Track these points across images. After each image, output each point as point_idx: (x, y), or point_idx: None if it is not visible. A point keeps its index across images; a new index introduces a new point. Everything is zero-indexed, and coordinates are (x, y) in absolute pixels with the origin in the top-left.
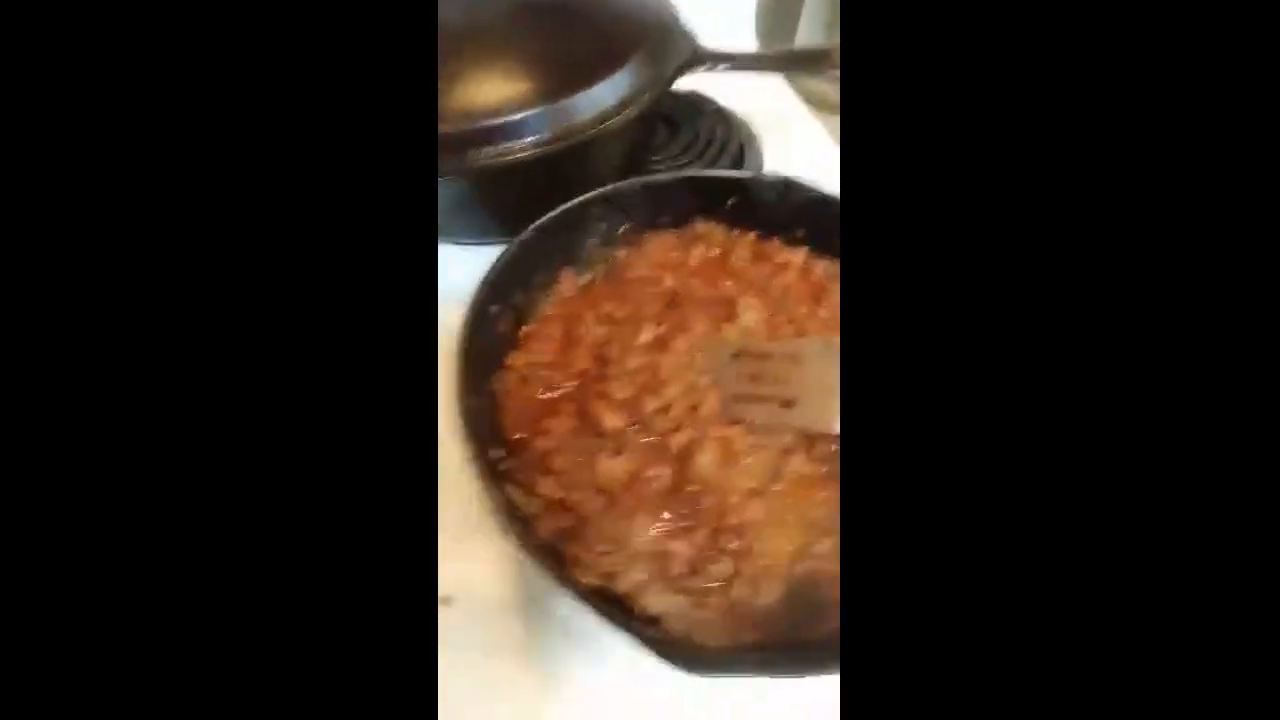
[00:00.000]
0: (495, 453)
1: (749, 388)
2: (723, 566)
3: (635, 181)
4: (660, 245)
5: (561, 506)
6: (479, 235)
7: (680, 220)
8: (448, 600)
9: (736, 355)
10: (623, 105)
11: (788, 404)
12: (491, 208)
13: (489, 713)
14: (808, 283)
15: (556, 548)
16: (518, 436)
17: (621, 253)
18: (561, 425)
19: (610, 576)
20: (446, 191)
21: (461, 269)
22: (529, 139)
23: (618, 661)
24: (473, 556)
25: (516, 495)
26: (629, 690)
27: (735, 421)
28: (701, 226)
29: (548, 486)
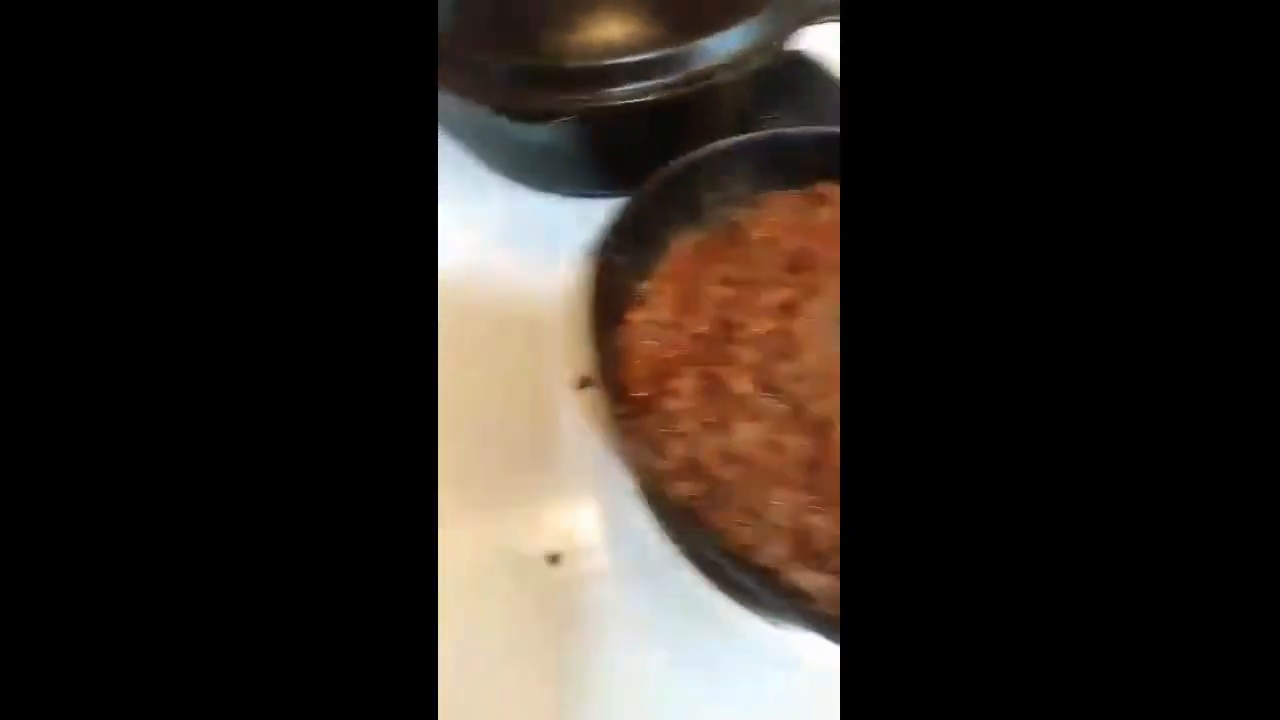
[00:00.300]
0: (618, 409)
1: None
2: None
3: (766, 134)
4: (783, 205)
5: (692, 471)
6: (584, 186)
7: (803, 181)
8: (555, 557)
9: None
10: (756, 50)
11: None
12: (601, 156)
13: (604, 680)
14: None
15: (693, 511)
16: (640, 394)
17: (741, 211)
18: (687, 386)
19: (748, 548)
20: (557, 136)
21: (569, 220)
22: (660, 79)
23: (746, 634)
24: (584, 513)
25: (647, 455)
26: (757, 665)
27: None
28: (824, 188)
29: (679, 448)
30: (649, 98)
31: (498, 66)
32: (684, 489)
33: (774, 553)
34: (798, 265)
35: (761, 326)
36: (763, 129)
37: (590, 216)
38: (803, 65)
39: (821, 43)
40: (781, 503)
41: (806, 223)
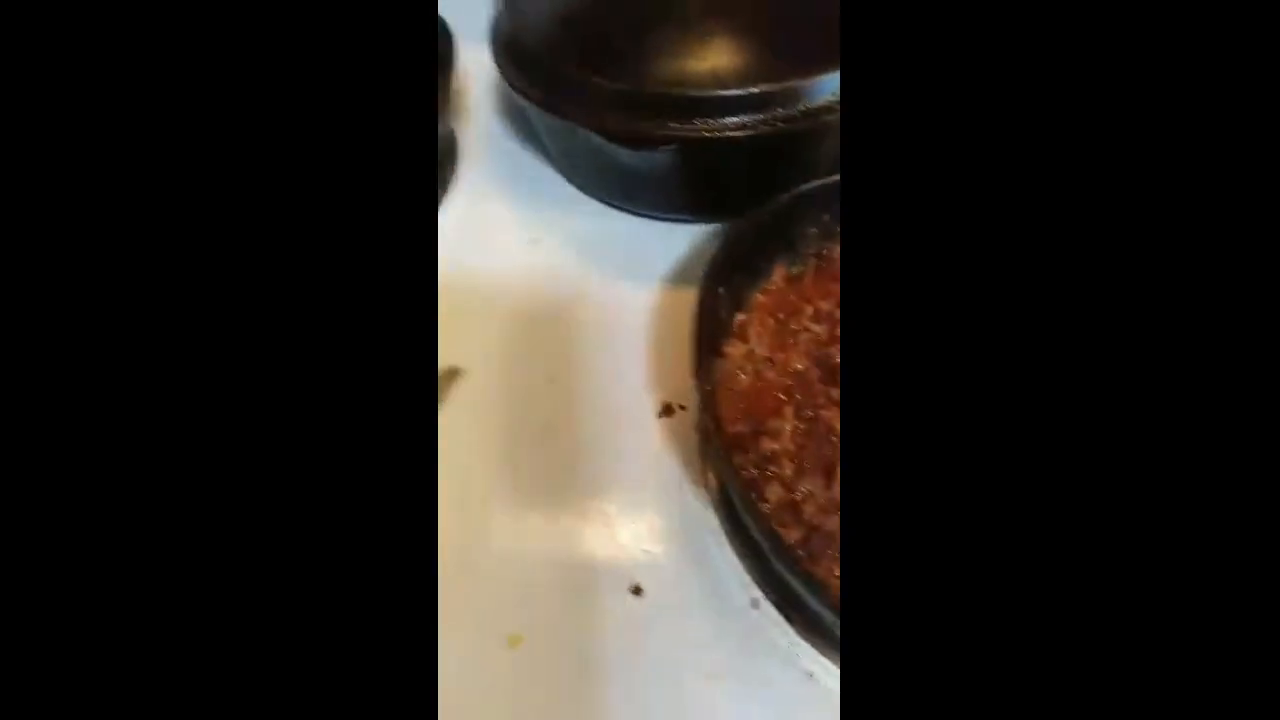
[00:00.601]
0: (716, 444)
1: None
2: None
3: None
4: None
5: (792, 516)
6: (671, 210)
7: None
8: (638, 589)
9: None
10: None
11: None
12: (694, 183)
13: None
14: None
15: (795, 560)
16: (738, 430)
17: (835, 247)
18: (787, 427)
19: None
20: (652, 161)
21: (660, 243)
22: (768, 113)
23: (830, 686)
24: (664, 544)
25: (745, 495)
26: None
27: None
28: None
29: (777, 491)
30: (752, 131)
31: (601, 88)
32: (785, 535)
33: None
34: None
35: None
36: None
37: (674, 239)
38: None
39: None
40: None
41: None
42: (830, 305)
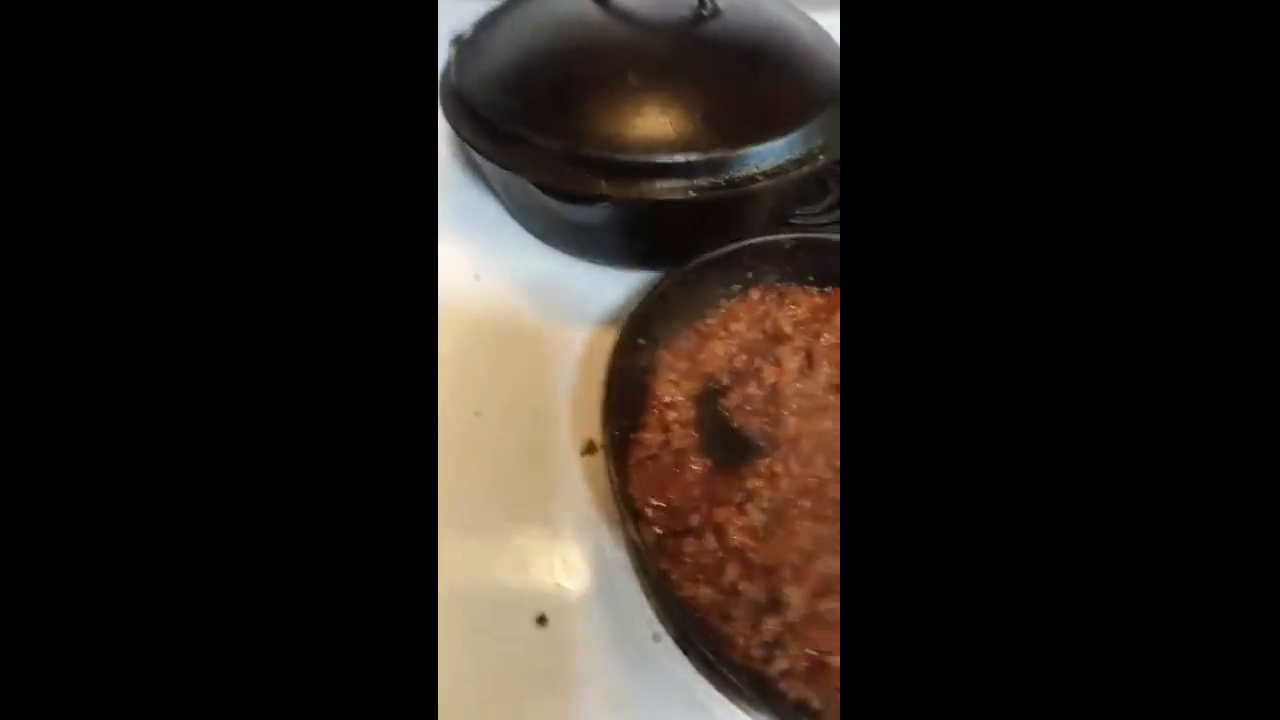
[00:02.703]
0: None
1: None
2: None
3: (795, 237)
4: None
5: (708, 579)
6: (614, 261)
7: (823, 281)
8: (543, 618)
9: None
10: (799, 162)
11: None
12: (637, 238)
13: None
14: None
15: (703, 619)
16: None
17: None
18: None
19: (754, 659)
20: (604, 215)
21: (594, 288)
22: (702, 180)
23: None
24: (575, 577)
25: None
26: None
27: None
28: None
29: (693, 545)
30: (689, 195)
31: (546, 146)
32: (699, 593)
33: (781, 667)
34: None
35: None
36: (794, 222)
37: (610, 284)
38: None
39: None
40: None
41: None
42: (735, 349)
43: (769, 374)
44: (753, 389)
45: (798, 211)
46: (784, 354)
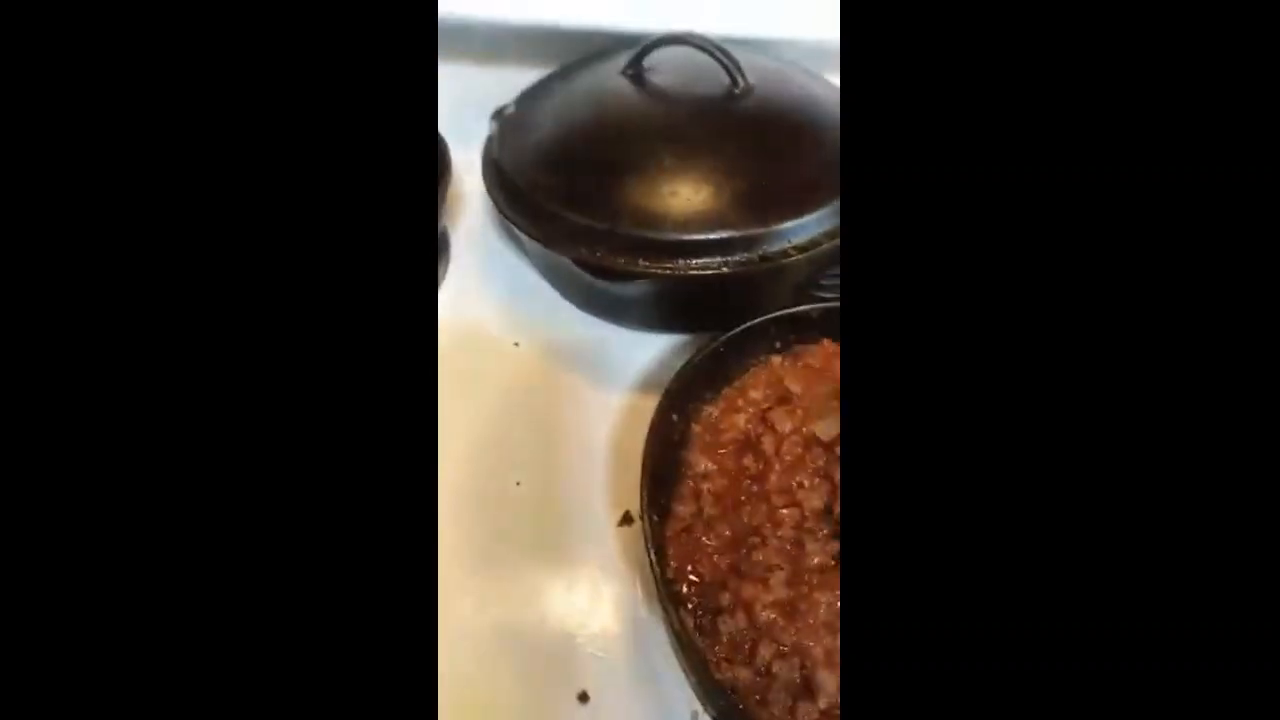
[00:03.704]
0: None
1: None
2: None
3: (822, 307)
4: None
5: (744, 660)
6: (651, 327)
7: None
8: (585, 696)
9: None
10: (828, 235)
11: None
12: (671, 307)
13: None
14: None
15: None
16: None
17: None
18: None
19: None
20: (640, 289)
21: (628, 352)
22: (734, 257)
23: None
24: (615, 660)
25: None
26: None
27: None
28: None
29: (729, 625)
30: (719, 270)
31: (579, 223)
32: (737, 674)
33: None
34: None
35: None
36: (823, 284)
37: (646, 348)
38: None
39: None
40: None
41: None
42: (765, 399)
43: (766, 442)
44: (749, 460)
45: (823, 281)
46: (778, 417)
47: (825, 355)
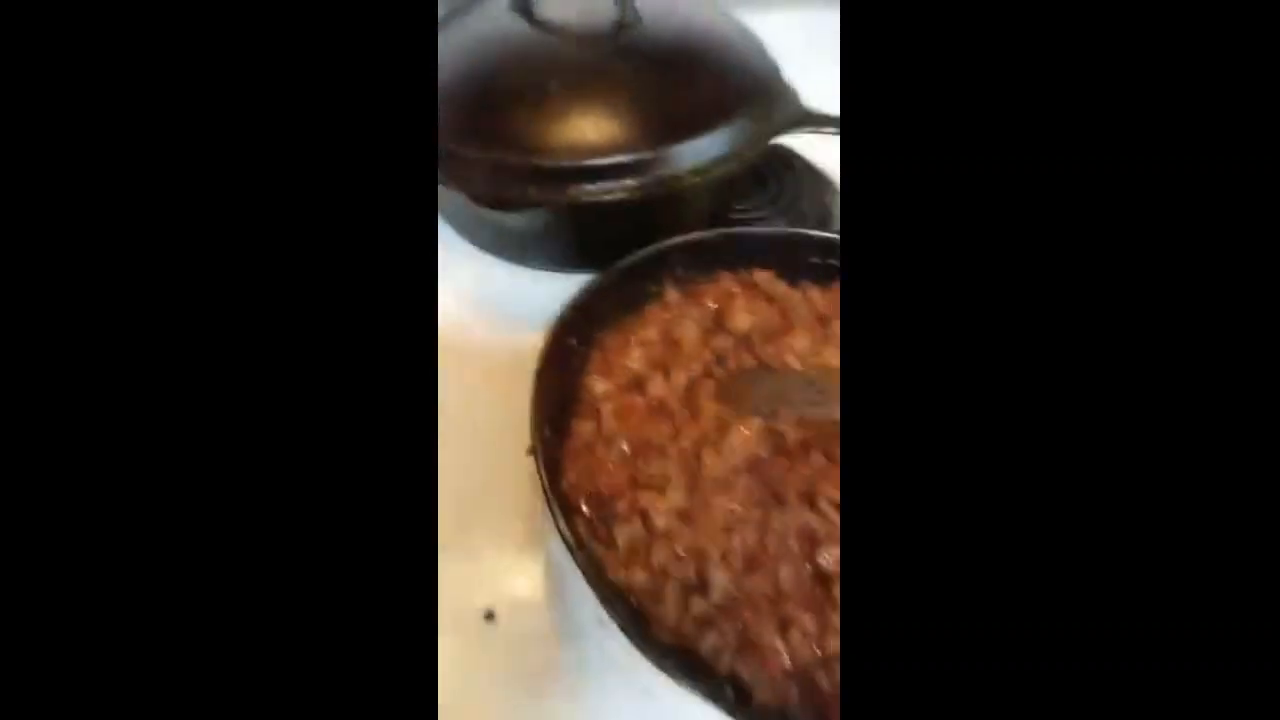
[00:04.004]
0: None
1: None
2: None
3: (719, 232)
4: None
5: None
6: (558, 265)
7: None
8: (491, 614)
9: None
10: (724, 159)
11: None
12: (575, 241)
13: None
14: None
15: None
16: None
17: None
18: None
19: (689, 638)
20: (536, 220)
21: (539, 294)
22: (628, 181)
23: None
24: (521, 576)
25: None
26: None
27: None
28: (761, 276)
29: (625, 533)
30: (619, 196)
31: (479, 159)
32: (634, 577)
33: (711, 644)
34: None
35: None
36: (734, 218)
37: (554, 289)
38: (778, 156)
39: (809, 140)
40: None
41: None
42: (660, 342)
43: (656, 386)
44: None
45: (736, 209)
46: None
47: (719, 293)
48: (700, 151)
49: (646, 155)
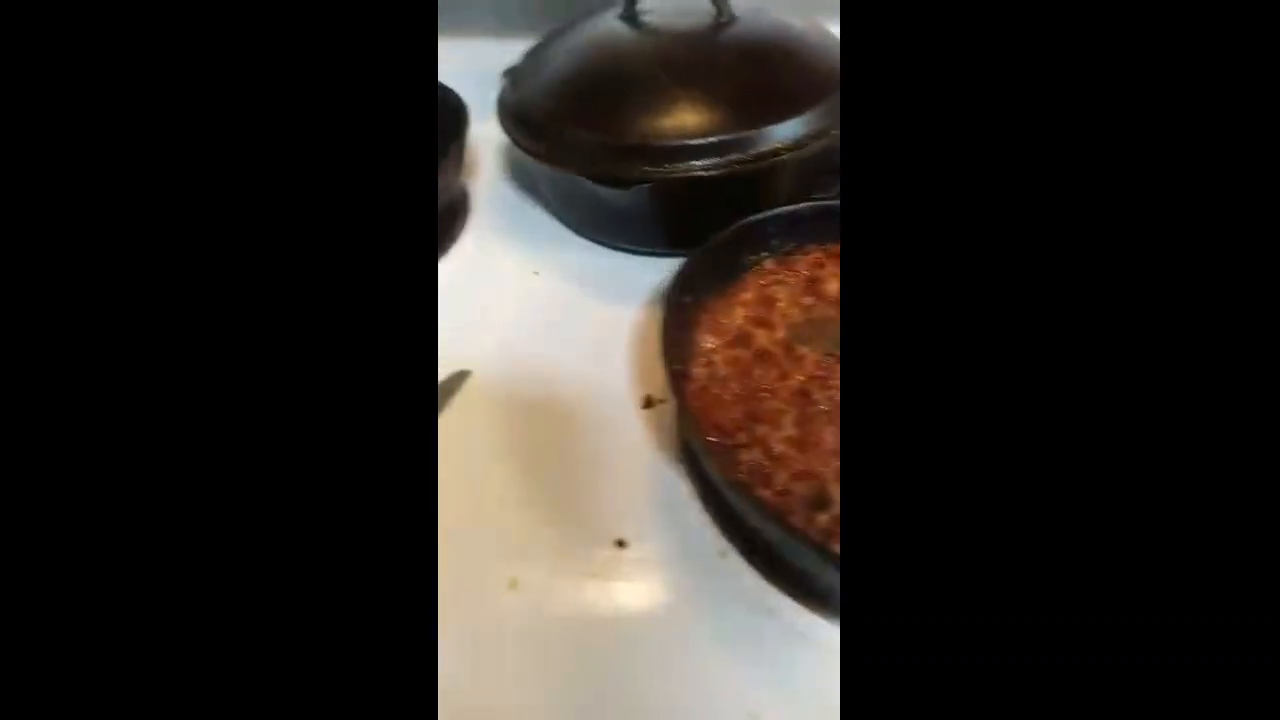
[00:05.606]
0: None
1: None
2: None
3: (811, 205)
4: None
5: (763, 479)
6: (651, 246)
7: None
8: (622, 542)
9: None
10: (812, 137)
11: None
12: (674, 218)
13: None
14: None
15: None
16: (705, 413)
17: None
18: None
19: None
20: (634, 200)
21: (636, 272)
22: (729, 156)
23: (803, 630)
24: (643, 515)
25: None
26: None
27: None
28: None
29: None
30: (720, 171)
31: (587, 140)
32: (761, 495)
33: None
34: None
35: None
36: (823, 194)
37: (652, 269)
38: None
39: None
40: None
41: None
42: (758, 302)
43: (759, 339)
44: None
45: (824, 181)
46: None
47: (810, 262)
48: (792, 130)
49: (743, 134)
